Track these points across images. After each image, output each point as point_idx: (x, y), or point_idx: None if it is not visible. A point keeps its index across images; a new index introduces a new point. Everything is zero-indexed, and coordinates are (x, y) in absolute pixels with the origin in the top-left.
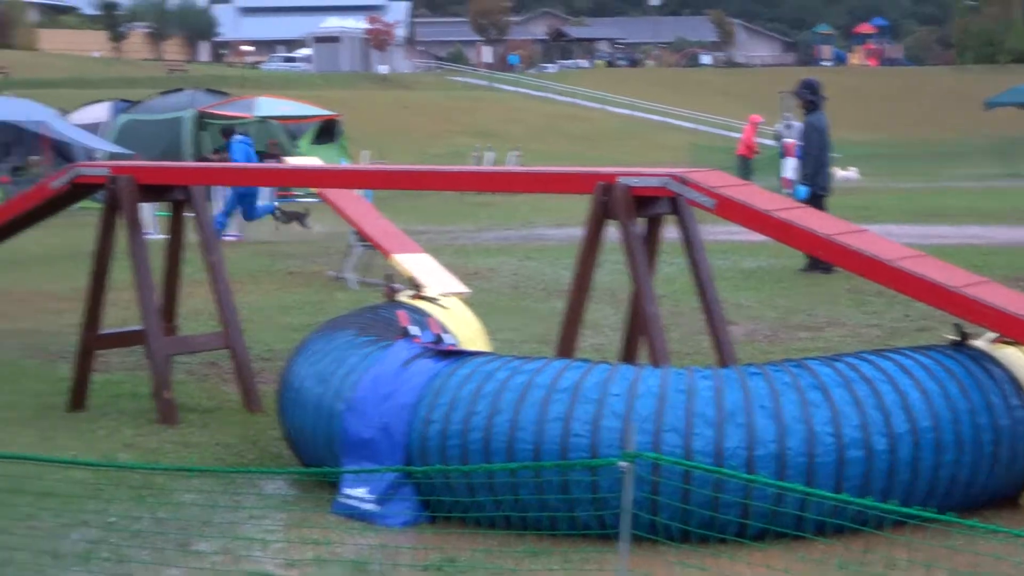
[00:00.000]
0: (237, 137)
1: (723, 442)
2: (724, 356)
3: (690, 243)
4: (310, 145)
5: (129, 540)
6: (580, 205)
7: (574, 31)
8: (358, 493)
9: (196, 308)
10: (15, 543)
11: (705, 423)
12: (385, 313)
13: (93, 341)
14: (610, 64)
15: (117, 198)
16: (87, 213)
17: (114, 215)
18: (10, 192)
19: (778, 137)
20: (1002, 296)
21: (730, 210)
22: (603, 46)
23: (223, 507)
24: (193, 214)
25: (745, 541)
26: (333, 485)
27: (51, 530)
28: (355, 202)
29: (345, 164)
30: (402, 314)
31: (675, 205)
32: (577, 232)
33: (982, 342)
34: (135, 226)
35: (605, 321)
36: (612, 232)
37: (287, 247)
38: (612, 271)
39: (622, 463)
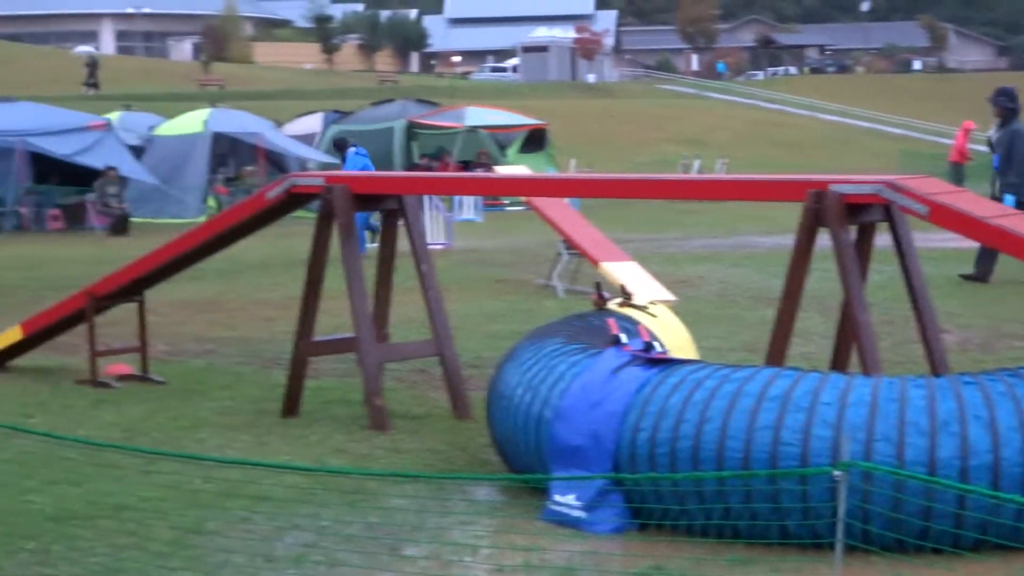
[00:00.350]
0: (352, 149)
1: (936, 452)
2: (937, 365)
3: (903, 250)
4: (518, 154)
5: (341, 544)
6: (787, 213)
7: (783, 38)
8: (567, 500)
9: (407, 316)
10: (231, 545)
11: (918, 432)
12: (594, 321)
13: (307, 348)
14: (816, 71)
15: (331, 207)
16: (300, 223)
17: (329, 224)
18: (226, 202)
19: (991, 143)
20: None
21: (944, 217)
22: (812, 53)
23: (433, 512)
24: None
25: (960, 552)
26: (542, 492)
27: (265, 533)
28: (563, 210)
29: (553, 173)
30: (612, 322)
31: (888, 212)
32: (785, 240)
33: None
34: (349, 235)
35: (815, 329)
36: (823, 239)
37: (495, 255)
38: (822, 279)
39: (836, 472)
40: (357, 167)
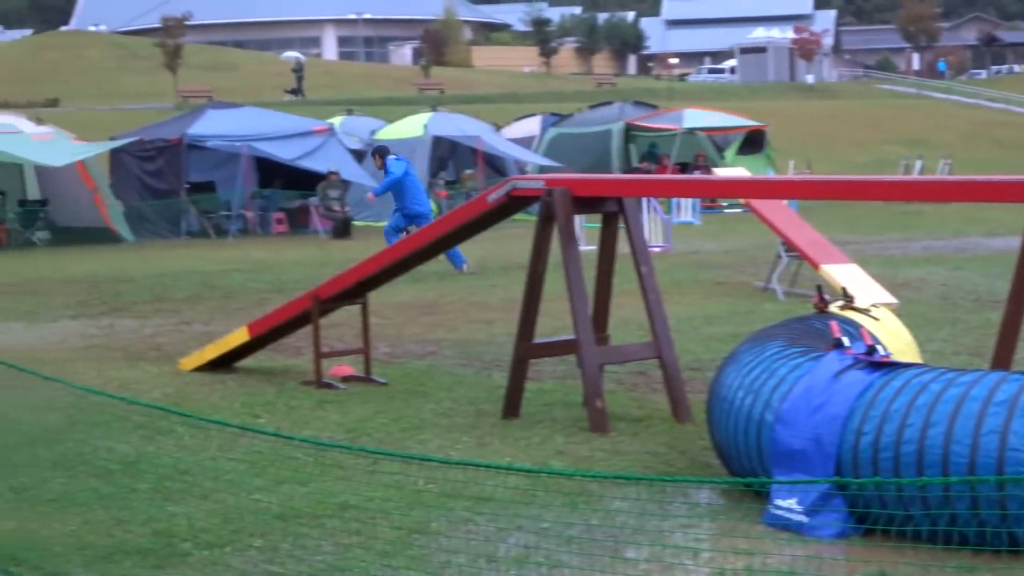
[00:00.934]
0: (392, 157)
1: None
2: None
3: None
4: (736, 156)
5: (562, 546)
6: (1012, 214)
7: (1006, 35)
8: (788, 504)
9: (625, 318)
10: (453, 546)
11: None
12: (815, 324)
13: (527, 350)
14: None
15: (552, 210)
16: (517, 225)
17: (549, 227)
18: (446, 205)
19: None
20: None
21: None
22: None
23: (653, 515)
24: (624, 225)
25: None
26: (763, 495)
27: (488, 534)
28: (782, 213)
29: (772, 175)
30: (834, 325)
31: None
32: (1009, 242)
33: None
34: (570, 237)
35: None
36: None
37: (713, 257)
38: None
39: None
40: (399, 174)
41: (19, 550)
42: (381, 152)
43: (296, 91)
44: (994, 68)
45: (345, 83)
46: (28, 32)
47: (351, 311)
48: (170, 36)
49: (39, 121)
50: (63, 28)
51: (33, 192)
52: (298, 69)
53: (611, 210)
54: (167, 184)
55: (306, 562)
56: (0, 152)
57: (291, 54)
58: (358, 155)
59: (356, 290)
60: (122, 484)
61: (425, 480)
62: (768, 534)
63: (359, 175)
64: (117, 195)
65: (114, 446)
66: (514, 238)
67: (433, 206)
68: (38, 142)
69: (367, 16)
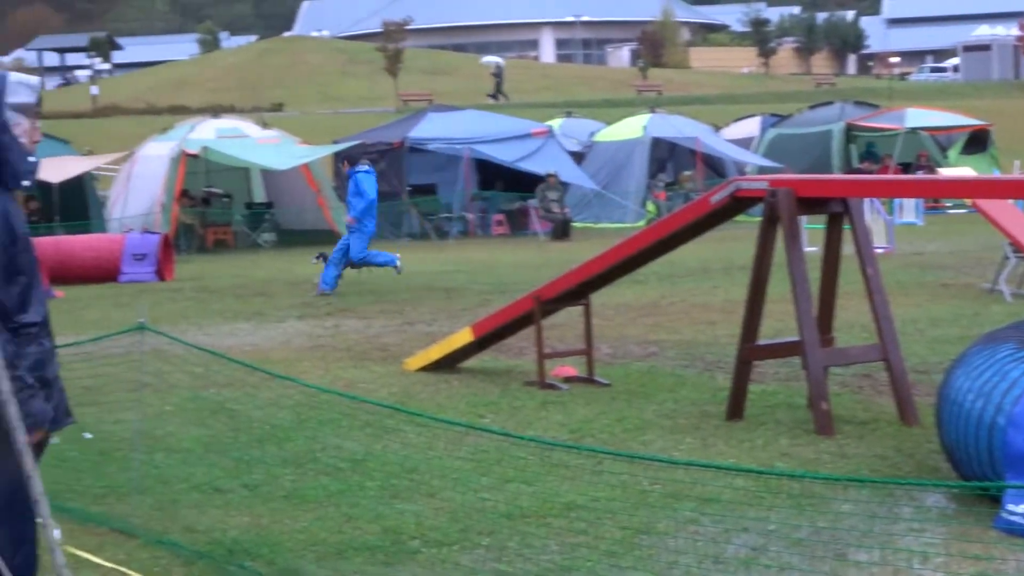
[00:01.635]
0: (363, 169)
1: None
2: None
3: None
4: (959, 156)
5: (789, 548)
6: None
7: None
8: (1021, 509)
9: (849, 320)
10: (679, 546)
11: None
12: None
13: (751, 352)
14: None
15: (776, 211)
16: (739, 227)
17: (773, 228)
18: (664, 207)
19: None
20: None
21: None
22: None
23: (882, 519)
24: (849, 226)
25: None
26: (994, 500)
27: (713, 535)
28: (1010, 213)
29: (997, 174)
30: None
31: None
32: None
33: None
34: (794, 239)
35: None
36: None
37: (937, 258)
38: None
39: None
40: (374, 195)
41: (253, 546)
42: (351, 160)
43: (496, 95)
44: None
45: (563, 85)
46: (253, 39)
47: (573, 312)
48: (390, 40)
49: (265, 125)
50: (286, 34)
51: (259, 195)
52: (497, 73)
53: (836, 211)
54: (389, 186)
55: (533, 561)
56: (227, 156)
57: (491, 58)
58: (577, 157)
59: (578, 291)
60: (351, 481)
61: (650, 480)
62: (1001, 540)
63: (578, 177)
64: (340, 198)
65: (342, 444)
66: (734, 240)
67: (651, 207)
68: (264, 146)
69: (585, 18)
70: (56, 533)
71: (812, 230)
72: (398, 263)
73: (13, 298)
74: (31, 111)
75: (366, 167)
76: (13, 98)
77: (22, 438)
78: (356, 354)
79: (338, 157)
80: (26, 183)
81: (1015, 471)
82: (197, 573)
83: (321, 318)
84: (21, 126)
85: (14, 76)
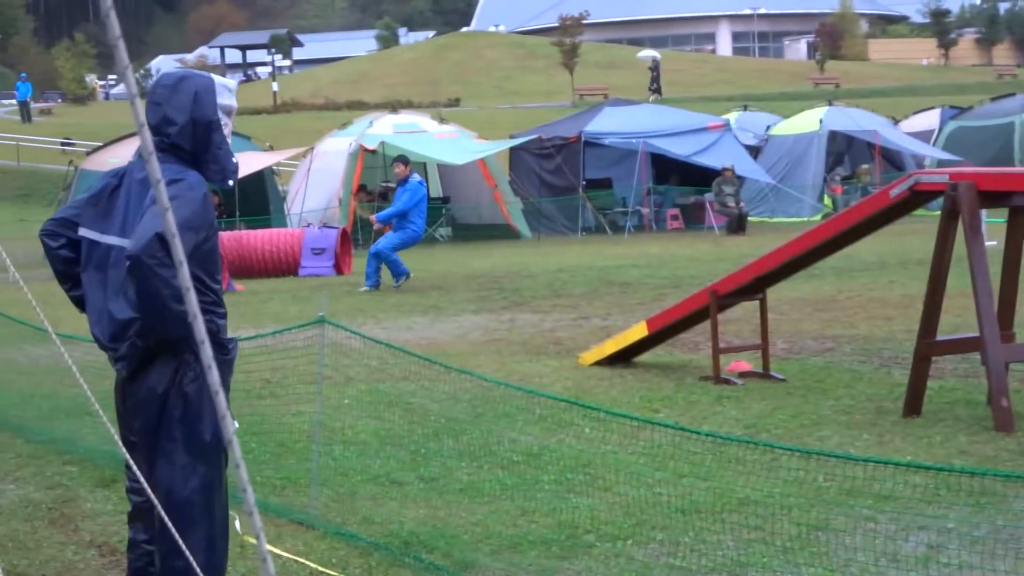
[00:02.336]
0: (416, 179)
1: None
2: None
3: None
4: None
5: (967, 547)
6: None
7: None
8: None
9: None
10: (855, 543)
11: None
12: None
13: (929, 347)
14: None
15: (957, 205)
16: (916, 221)
17: (953, 222)
18: (841, 201)
19: None
20: None
21: None
22: None
23: None
24: None
25: None
26: None
27: (890, 533)
28: None
29: None
30: None
31: None
32: None
33: None
34: (975, 232)
35: None
36: None
37: None
38: None
39: None
40: (419, 197)
41: (429, 538)
42: (405, 161)
43: (656, 89)
44: None
45: (739, 78)
46: (431, 34)
47: (747, 307)
48: (567, 35)
49: (442, 120)
50: (464, 29)
51: (436, 189)
52: (654, 67)
53: (1019, 204)
54: (565, 181)
55: (707, 556)
56: (405, 151)
57: (647, 52)
58: (753, 151)
59: (754, 286)
60: (526, 475)
61: (825, 477)
62: None
63: (754, 171)
64: (516, 192)
65: (517, 438)
66: (911, 234)
67: (828, 201)
68: (441, 141)
69: (762, 11)
70: (259, 524)
71: (992, 224)
72: (402, 281)
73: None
74: (232, 112)
75: (419, 179)
76: (220, 99)
77: (230, 427)
78: (531, 348)
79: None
80: (231, 182)
81: None
82: (374, 564)
83: (496, 312)
84: (228, 127)
85: (218, 80)
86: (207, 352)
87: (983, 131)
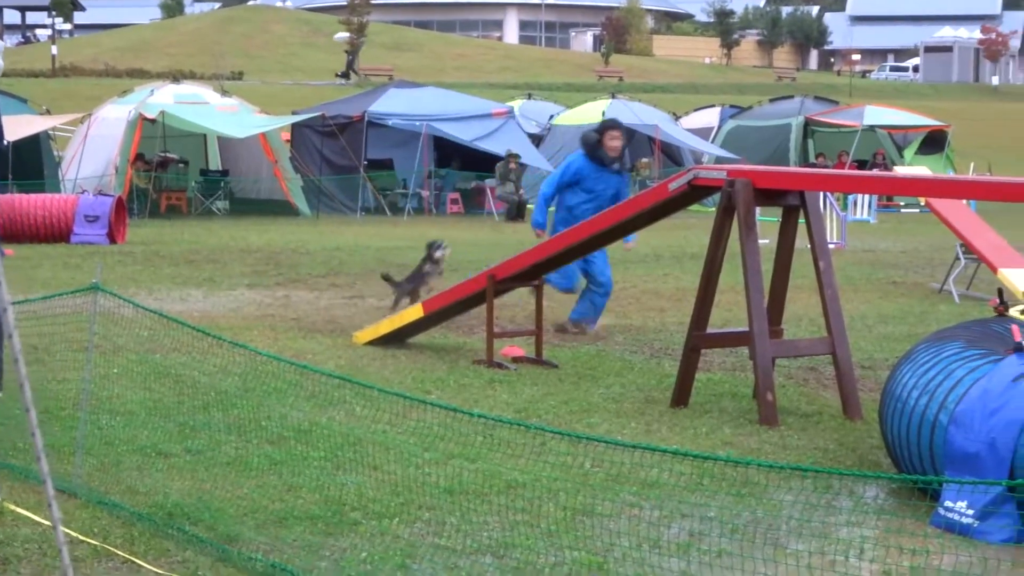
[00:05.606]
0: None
1: None
2: None
3: None
4: (915, 155)
5: (728, 535)
6: None
7: None
8: (959, 507)
9: (798, 313)
10: (619, 529)
11: None
12: (995, 327)
13: (699, 340)
14: None
15: (733, 201)
16: (692, 216)
17: (729, 218)
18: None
19: None
20: None
21: None
22: None
23: (819, 509)
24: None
25: None
26: (932, 496)
27: (653, 520)
28: (962, 214)
29: (952, 175)
30: (1015, 329)
31: None
32: None
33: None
34: (750, 229)
35: None
36: None
37: (888, 256)
38: None
39: None
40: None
41: (194, 510)
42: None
43: (347, 73)
44: None
45: (525, 67)
46: (216, 5)
47: (523, 293)
48: (355, 14)
49: (224, 93)
50: (250, 2)
51: (215, 162)
52: (350, 51)
53: (792, 203)
54: (346, 160)
55: (472, 537)
56: (185, 122)
57: (343, 34)
58: (535, 139)
59: (531, 272)
60: (295, 451)
61: (593, 462)
62: (936, 535)
63: (536, 159)
64: (296, 169)
65: (288, 413)
66: (687, 228)
67: None
68: (222, 113)
69: (550, 1)
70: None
71: (766, 223)
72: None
73: None
74: None
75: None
76: None
77: None
78: (305, 325)
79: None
80: (4, 142)
81: (954, 468)
82: (136, 535)
83: (272, 288)
84: None
85: None
86: None
87: (761, 131)
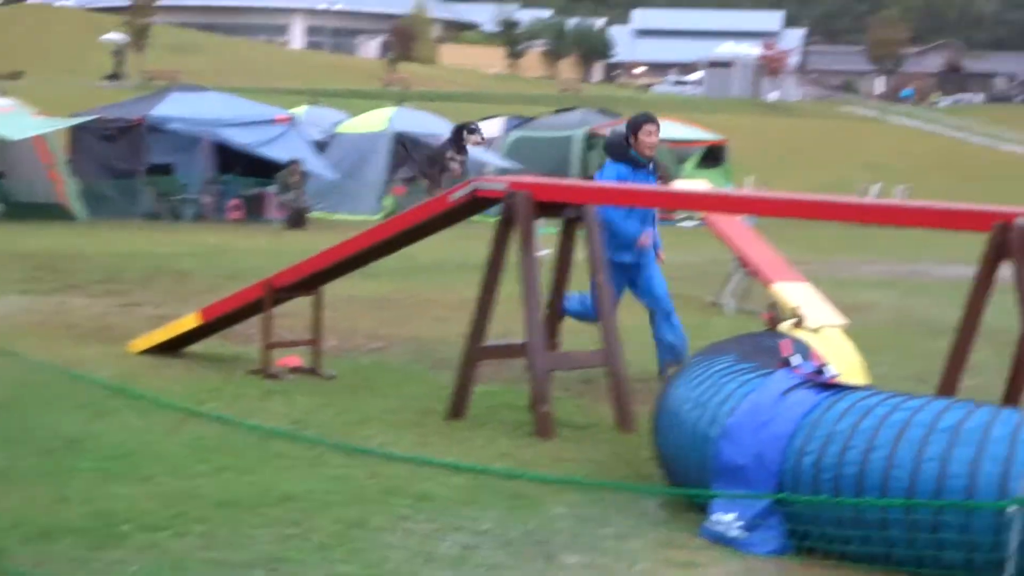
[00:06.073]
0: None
1: None
2: None
3: None
4: (695, 168)
5: (502, 548)
6: (968, 242)
7: (971, 65)
8: (727, 518)
9: (576, 326)
10: (392, 542)
11: None
12: (767, 341)
13: (477, 351)
14: (1001, 100)
15: (513, 213)
16: (477, 226)
17: (509, 229)
18: (403, 202)
19: None
20: None
21: None
22: (999, 81)
23: (592, 522)
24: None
25: None
26: (702, 508)
27: (426, 532)
28: (738, 228)
29: (731, 189)
30: (784, 343)
31: None
32: (964, 270)
33: None
34: (529, 241)
35: (986, 363)
36: (1004, 272)
37: (666, 270)
38: (997, 312)
39: (1010, 508)
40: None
41: None
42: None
43: (114, 75)
44: (956, 96)
45: (310, 73)
46: None
47: (303, 302)
48: (139, 15)
49: (2, 93)
50: (31, 0)
51: None
52: (118, 52)
53: (572, 216)
54: (126, 164)
55: (245, 550)
56: None
57: (111, 36)
58: (320, 146)
59: (311, 281)
60: (64, 462)
61: (367, 475)
62: (705, 547)
63: (319, 166)
64: (75, 172)
65: (58, 424)
66: (471, 238)
67: (389, 202)
68: None
69: (338, 7)
70: None
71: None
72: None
73: None
74: None
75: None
76: None
77: None
78: (79, 333)
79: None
80: None
81: (724, 482)
82: None
83: (46, 294)
84: None
85: None
86: None
87: (544, 142)
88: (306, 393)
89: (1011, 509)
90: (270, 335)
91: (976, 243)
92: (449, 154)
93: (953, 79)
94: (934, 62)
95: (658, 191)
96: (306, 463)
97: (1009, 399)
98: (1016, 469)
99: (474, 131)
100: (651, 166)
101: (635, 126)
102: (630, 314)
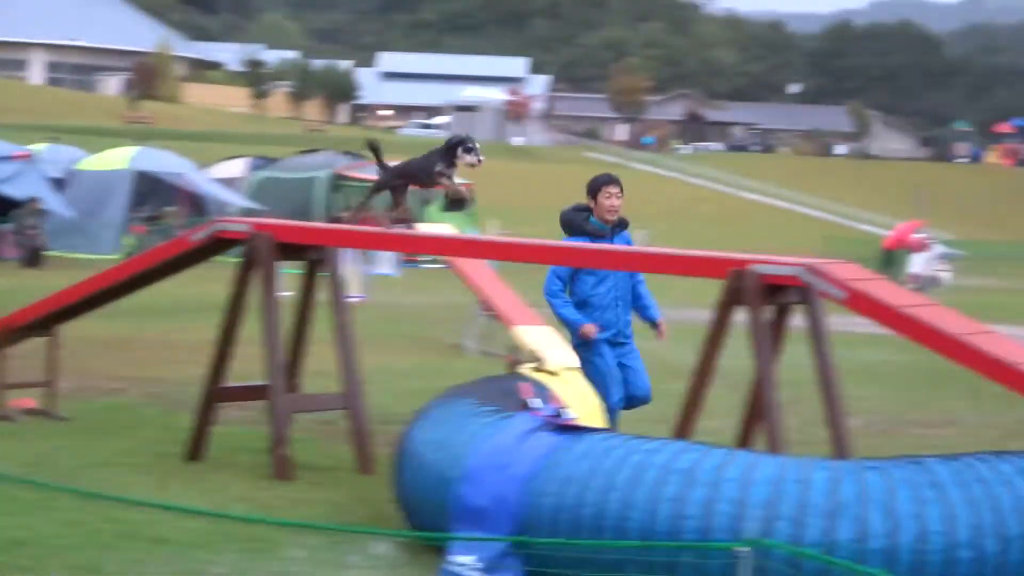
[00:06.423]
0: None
1: (835, 534)
2: (841, 448)
3: (817, 334)
4: (440, 212)
5: None
6: (702, 287)
7: (711, 114)
8: (466, 560)
9: (319, 368)
10: None
11: (818, 514)
12: (507, 384)
13: (217, 393)
14: (739, 149)
15: (255, 254)
16: (219, 267)
17: (250, 271)
18: (143, 241)
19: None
20: None
21: (860, 303)
22: (738, 131)
23: (330, 565)
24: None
25: None
26: (441, 550)
27: None
28: (481, 271)
29: (475, 233)
30: (524, 386)
31: (805, 294)
32: (698, 314)
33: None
34: (270, 283)
35: (722, 405)
36: (739, 317)
37: (410, 312)
38: (732, 355)
39: (741, 549)
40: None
41: None
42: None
43: None
44: (696, 145)
45: (51, 109)
46: None
47: (39, 343)
48: None
49: None
50: None
51: None
52: None
53: (314, 258)
54: None
55: None
56: None
57: None
58: (59, 183)
59: (47, 321)
60: None
61: (102, 519)
62: None
63: (57, 204)
64: None
65: None
66: (214, 280)
67: (130, 241)
68: None
69: (81, 43)
70: None
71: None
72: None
73: None
74: None
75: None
76: None
77: None
78: None
79: None
80: None
81: (465, 524)
82: None
83: None
84: None
85: None
86: None
87: (288, 183)
88: (40, 435)
89: (743, 550)
90: (3, 375)
91: (710, 288)
92: (439, 168)
93: (694, 127)
94: (675, 110)
95: (407, 235)
96: (38, 507)
97: (744, 441)
98: (749, 511)
99: (471, 149)
100: (615, 228)
101: (594, 189)
102: (373, 355)
